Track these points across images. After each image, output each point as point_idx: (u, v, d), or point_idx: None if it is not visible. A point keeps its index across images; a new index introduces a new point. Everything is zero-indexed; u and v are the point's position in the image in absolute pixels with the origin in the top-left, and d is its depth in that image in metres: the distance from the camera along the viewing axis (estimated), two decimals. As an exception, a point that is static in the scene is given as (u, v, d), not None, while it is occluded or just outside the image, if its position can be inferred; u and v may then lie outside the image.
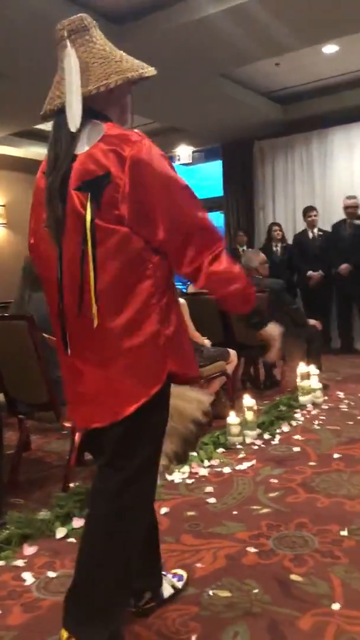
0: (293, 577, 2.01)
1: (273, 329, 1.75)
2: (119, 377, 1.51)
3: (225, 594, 1.94)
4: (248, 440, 3.56)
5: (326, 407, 4.36)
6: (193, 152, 8.95)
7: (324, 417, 4.07)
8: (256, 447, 3.49)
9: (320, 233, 6.88)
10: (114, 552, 1.54)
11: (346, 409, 4.26)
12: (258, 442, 3.57)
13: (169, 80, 5.45)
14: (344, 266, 6.41)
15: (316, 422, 3.96)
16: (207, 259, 1.51)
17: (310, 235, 6.93)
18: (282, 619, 1.78)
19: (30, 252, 1.71)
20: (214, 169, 9.19)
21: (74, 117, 1.48)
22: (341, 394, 4.71)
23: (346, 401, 4.49)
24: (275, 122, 7.64)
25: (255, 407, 3.71)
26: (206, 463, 3.22)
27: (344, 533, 2.31)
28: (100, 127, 1.50)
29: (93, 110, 1.52)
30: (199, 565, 2.13)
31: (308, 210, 6.94)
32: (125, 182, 1.44)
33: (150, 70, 1.55)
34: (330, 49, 5.89)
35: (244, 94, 6.85)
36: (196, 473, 3.10)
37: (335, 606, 1.82)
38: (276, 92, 7.21)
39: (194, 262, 1.51)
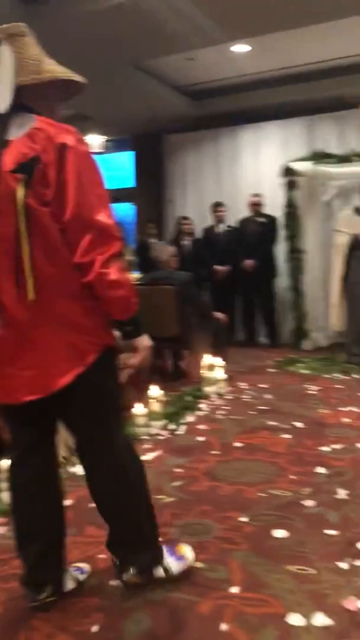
0: (195, 563, 2.06)
1: (144, 340, 1.82)
2: (57, 347, 1.65)
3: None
4: (154, 431, 3.59)
5: (230, 397, 4.49)
6: (104, 141, 8.84)
7: (227, 407, 4.19)
8: (162, 438, 3.53)
9: (228, 228, 7.04)
10: (138, 498, 1.86)
11: (248, 399, 4.40)
12: (164, 432, 3.61)
13: (81, 65, 5.31)
14: (248, 262, 6.61)
15: (220, 412, 4.07)
16: (100, 257, 1.61)
17: (218, 230, 7.08)
18: (183, 604, 1.83)
19: None
20: (126, 159, 9.14)
21: (4, 99, 1.61)
22: (244, 385, 4.86)
23: (248, 392, 4.64)
24: (186, 116, 7.70)
25: (162, 398, 3.76)
26: (111, 454, 3.21)
27: (244, 519, 2.40)
28: (32, 117, 1.64)
29: (24, 105, 1.65)
30: (102, 556, 2.13)
31: (216, 206, 7.08)
32: (53, 164, 1.58)
33: (79, 77, 1.74)
34: (241, 48, 6.02)
35: (156, 86, 6.85)
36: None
37: (234, 590, 1.89)
38: (188, 87, 7.26)
39: (86, 255, 1.61)
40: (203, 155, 7.82)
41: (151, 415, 3.65)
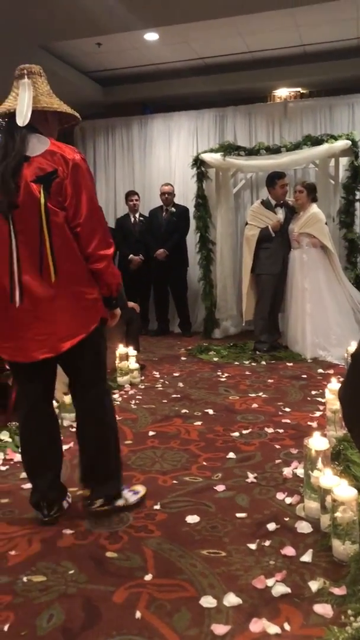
0: (108, 554, 2.06)
1: (118, 310, 2.45)
2: (66, 318, 2.17)
3: (39, 578, 1.92)
4: (66, 423, 3.53)
5: (143, 386, 4.51)
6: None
7: (140, 397, 4.21)
8: (74, 430, 3.46)
9: (141, 218, 7.03)
10: (111, 433, 2.37)
11: (161, 388, 4.44)
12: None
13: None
14: (160, 251, 6.65)
15: (133, 401, 4.08)
16: (108, 253, 2.23)
17: (132, 219, 7.05)
18: (97, 595, 1.82)
19: None
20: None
21: (24, 117, 2.11)
22: (157, 374, 4.90)
23: (161, 380, 4.68)
24: (96, 103, 7.59)
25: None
26: (22, 448, 3.14)
27: (157, 507, 2.43)
28: (46, 140, 2.16)
29: (34, 127, 2.16)
30: (12, 552, 2.08)
31: (130, 195, 7.04)
32: (68, 177, 2.11)
33: (77, 114, 2.31)
34: (151, 36, 6.00)
35: (64, 69, 6.69)
36: (11, 459, 3.02)
37: (148, 577, 1.91)
38: (96, 72, 7.16)
39: (97, 250, 2.19)
40: (114, 143, 7.75)
41: (63, 408, 3.59)
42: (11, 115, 2.15)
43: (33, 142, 2.12)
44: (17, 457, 3.02)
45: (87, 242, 2.17)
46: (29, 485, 2.66)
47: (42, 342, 2.15)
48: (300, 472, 2.68)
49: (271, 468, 2.82)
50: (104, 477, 2.34)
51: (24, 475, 2.78)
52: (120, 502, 2.37)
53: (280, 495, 2.50)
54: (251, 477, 2.70)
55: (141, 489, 2.50)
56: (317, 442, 2.32)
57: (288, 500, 2.45)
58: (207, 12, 5.18)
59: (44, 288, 2.12)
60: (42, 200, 2.06)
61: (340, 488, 2.00)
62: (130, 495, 2.43)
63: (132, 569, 1.97)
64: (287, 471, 2.76)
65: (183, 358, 5.60)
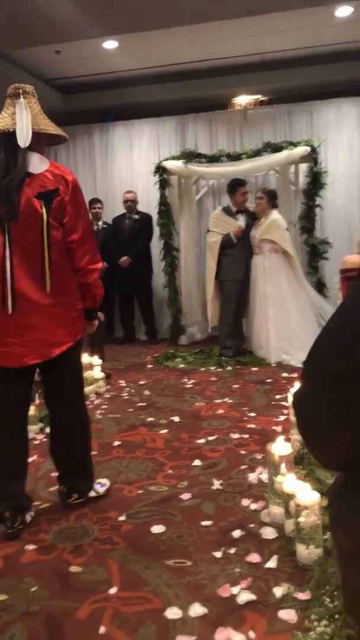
0: (72, 568, 2.03)
1: (96, 322, 2.66)
2: (57, 327, 2.33)
3: (1, 597, 1.88)
4: (30, 436, 3.47)
5: (108, 396, 4.48)
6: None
7: (106, 406, 4.18)
8: (37, 442, 3.44)
9: (104, 226, 6.99)
10: (87, 440, 2.60)
11: (127, 397, 4.42)
12: (40, 436, 3.52)
13: None
14: (123, 259, 6.63)
15: (99, 411, 4.05)
16: (97, 268, 2.45)
17: (95, 227, 7.00)
18: (60, 612, 1.79)
19: None
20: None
21: (25, 139, 2.23)
22: (123, 383, 4.87)
23: (127, 389, 4.66)
24: (57, 110, 7.50)
25: (37, 401, 3.64)
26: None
27: (122, 518, 2.40)
28: (45, 160, 2.32)
29: (30, 146, 2.27)
30: (-26, 571, 2.03)
31: (92, 202, 7.00)
32: (68, 196, 2.30)
33: (65, 134, 2.45)
34: (110, 44, 6.00)
35: (23, 77, 6.60)
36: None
37: (113, 590, 1.89)
38: (56, 80, 7.12)
39: (89, 265, 2.40)
40: (76, 150, 7.69)
41: (31, 419, 3.53)
42: (9, 135, 2.25)
43: (34, 160, 2.28)
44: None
45: (80, 257, 2.37)
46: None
47: (32, 348, 2.27)
48: (265, 477, 2.69)
49: (236, 474, 2.83)
50: (80, 477, 2.55)
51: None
52: (92, 494, 2.59)
53: (245, 502, 2.50)
54: (217, 484, 2.70)
55: (107, 482, 2.73)
56: (280, 447, 2.33)
57: (253, 507, 2.45)
58: (165, 21, 5.21)
59: (38, 297, 2.25)
60: (45, 216, 2.23)
61: (303, 493, 2.01)
62: (99, 487, 2.64)
63: (96, 582, 1.95)
64: (252, 477, 2.76)
65: (149, 366, 5.58)
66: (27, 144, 2.24)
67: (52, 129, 2.38)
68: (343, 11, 5.46)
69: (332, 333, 0.92)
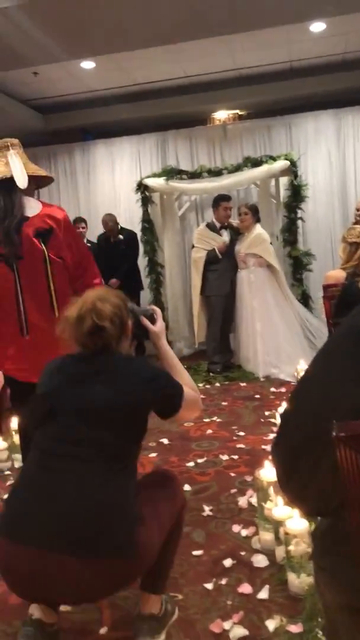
0: (62, 608, 1.99)
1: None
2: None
3: (-10, 643, 1.85)
4: (17, 465, 3.45)
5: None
6: None
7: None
8: (26, 471, 3.39)
9: (89, 245, 6.95)
10: None
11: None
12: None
13: None
14: (113, 281, 6.54)
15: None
16: (98, 283, 2.65)
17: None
18: (51, 656, 1.76)
19: None
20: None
21: (23, 181, 2.51)
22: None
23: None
24: (37, 131, 7.53)
25: (24, 429, 3.61)
26: (-29, 496, 3.04)
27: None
28: (37, 203, 2.59)
29: (23, 190, 2.54)
30: None
31: (77, 222, 6.92)
32: (61, 233, 2.55)
33: (52, 178, 2.81)
34: (87, 64, 6.01)
35: (1, 99, 6.62)
36: None
37: (103, 630, 1.87)
38: (35, 100, 7.11)
39: (85, 283, 2.56)
40: (57, 170, 7.68)
41: (14, 448, 3.50)
42: (1, 183, 2.51)
43: (29, 204, 2.55)
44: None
45: (79, 277, 2.64)
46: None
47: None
48: (255, 500, 2.67)
49: (226, 498, 2.82)
50: None
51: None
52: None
53: (236, 528, 2.49)
54: (207, 510, 2.69)
55: None
56: (268, 473, 2.32)
57: (244, 533, 2.44)
58: (140, 42, 5.23)
59: (47, 322, 2.46)
60: (45, 252, 2.50)
61: (292, 521, 2.00)
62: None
63: (86, 622, 1.92)
64: (242, 501, 2.75)
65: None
66: (25, 186, 2.52)
67: (41, 171, 2.68)
68: (317, 27, 5.52)
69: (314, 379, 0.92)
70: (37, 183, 2.71)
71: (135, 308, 1.95)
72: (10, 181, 2.50)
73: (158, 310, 2.04)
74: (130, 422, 1.66)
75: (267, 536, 2.28)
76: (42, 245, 2.50)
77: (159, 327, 2.00)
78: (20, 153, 2.61)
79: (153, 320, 2.00)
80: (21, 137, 6.63)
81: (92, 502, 1.52)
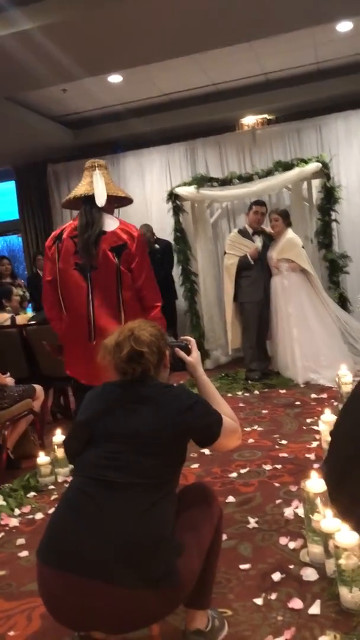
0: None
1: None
2: None
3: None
4: (60, 479, 3.47)
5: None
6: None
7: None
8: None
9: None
10: None
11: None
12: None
13: None
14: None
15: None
16: (159, 305, 2.90)
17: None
18: (102, 675, 1.75)
19: (51, 284, 2.92)
20: (8, 191, 8.89)
21: (102, 199, 2.81)
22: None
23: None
24: (67, 146, 7.65)
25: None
26: (17, 512, 3.07)
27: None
28: (116, 220, 2.87)
29: (103, 208, 2.85)
30: (11, 633, 2.00)
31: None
32: (134, 248, 2.80)
33: (130, 196, 3.05)
34: (115, 78, 6.07)
35: (33, 117, 6.76)
36: (6, 525, 2.93)
37: (153, 648, 1.84)
38: (65, 116, 7.23)
39: (152, 302, 2.87)
40: (88, 183, 7.74)
41: (57, 462, 3.52)
42: (87, 199, 2.83)
43: (107, 220, 2.82)
44: (13, 522, 2.94)
45: (145, 295, 2.86)
46: (25, 553, 2.61)
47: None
48: (301, 511, 2.62)
49: (272, 509, 2.77)
50: None
51: (20, 541, 2.72)
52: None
53: (283, 540, 2.44)
54: (252, 522, 2.65)
55: None
56: (315, 484, 2.27)
57: (292, 545, 2.39)
58: (167, 53, 5.26)
59: (114, 330, 2.64)
60: (118, 265, 2.76)
61: (341, 534, 1.95)
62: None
63: (137, 638, 1.90)
64: (288, 512, 2.70)
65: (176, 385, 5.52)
66: (103, 204, 2.80)
67: (121, 192, 2.96)
68: (344, 26, 5.45)
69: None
70: (117, 202, 2.99)
71: (171, 340, 1.97)
72: (92, 199, 2.81)
73: (193, 341, 2.05)
74: (169, 449, 1.65)
75: (315, 549, 2.22)
76: (116, 259, 2.76)
77: (195, 357, 2.01)
78: (105, 174, 2.89)
79: (188, 352, 2.01)
80: (53, 153, 6.76)
81: (133, 534, 1.50)
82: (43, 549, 1.57)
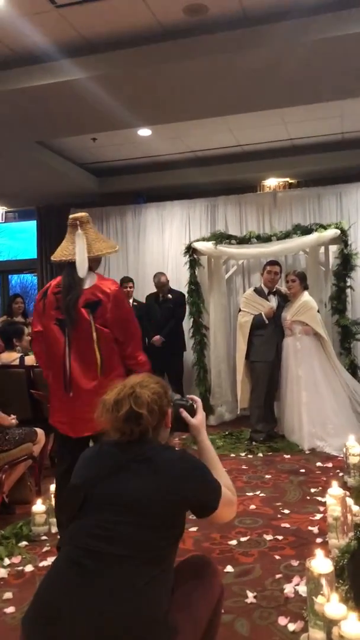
0: None
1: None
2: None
3: None
4: (54, 530, 3.35)
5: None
6: (6, 212, 8.75)
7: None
8: (62, 538, 3.30)
9: (135, 304, 7.02)
10: None
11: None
12: (65, 531, 3.38)
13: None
14: (156, 337, 6.58)
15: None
16: (140, 356, 2.96)
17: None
18: None
19: (36, 335, 3.05)
20: (26, 228, 9.02)
21: (83, 270, 2.88)
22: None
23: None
24: (91, 192, 7.79)
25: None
26: (6, 561, 2.96)
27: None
28: (94, 276, 2.94)
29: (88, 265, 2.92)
30: None
31: (124, 281, 7.02)
32: (109, 305, 2.86)
33: (116, 250, 3.11)
34: (144, 132, 6.23)
35: (60, 162, 6.91)
36: (-7, 575, 2.82)
37: None
38: (92, 164, 7.40)
39: (133, 352, 2.94)
40: (109, 230, 7.87)
41: (53, 511, 3.41)
42: (71, 262, 2.90)
43: (86, 277, 2.89)
44: (1, 573, 2.84)
45: (125, 348, 2.91)
46: (11, 609, 2.49)
47: (86, 422, 2.56)
48: (302, 589, 2.51)
49: (271, 584, 2.65)
50: None
51: (7, 595, 2.61)
52: None
53: (282, 620, 2.32)
54: (250, 596, 2.53)
55: None
56: (320, 564, 2.18)
57: (291, 627, 2.27)
58: (198, 113, 5.41)
59: (88, 382, 2.81)
60: (92, 321, 2.83)
61: (348, 622, 1.85)
62: None
63: None
64: (288, 589, 2.58)
65: (177, 449, 5.41)
66: (84, 275, 2.87)
67: (104, 250, 2.97)
68: (371, 101, 5.60)
69: None
70: (100, 258, 3.04)
71: (175, 398, 1.87)
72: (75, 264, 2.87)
73: (199, 401, 1.94)
74: (166, 521, 1.56)
75: (318, 634, 2.10)
76: (90, 315, 2.82)
77: (199, 420, 1.91)
78: (88, 229, 2.92)
79: (193, 412, 1.91)
80: (76, 198, 6.89)
81: (125, 615, 1.40)
82: (27, 624, 1.49)
